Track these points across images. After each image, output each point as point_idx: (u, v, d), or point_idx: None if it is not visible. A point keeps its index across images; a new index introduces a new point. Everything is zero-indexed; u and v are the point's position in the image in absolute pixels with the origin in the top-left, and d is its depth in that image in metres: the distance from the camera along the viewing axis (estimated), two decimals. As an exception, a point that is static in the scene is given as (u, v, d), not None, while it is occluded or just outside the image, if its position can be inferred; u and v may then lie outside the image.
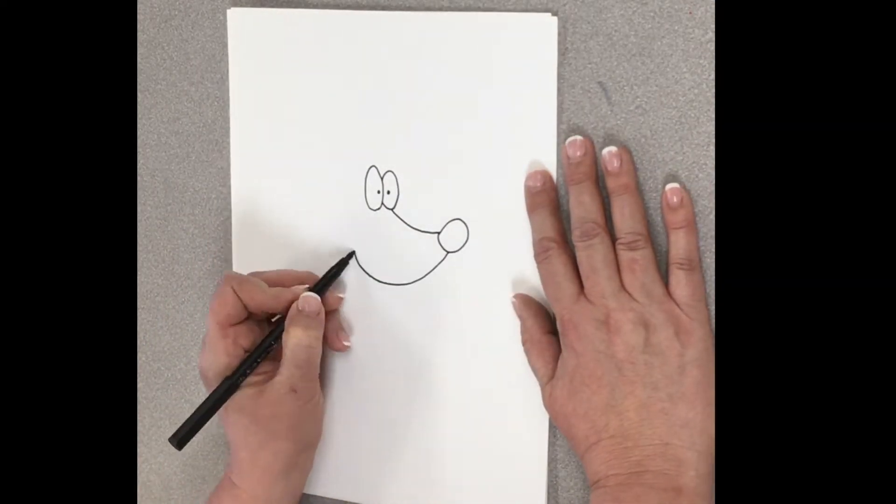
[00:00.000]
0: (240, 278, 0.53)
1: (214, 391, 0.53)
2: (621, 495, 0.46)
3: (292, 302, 0.53)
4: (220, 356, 0.53)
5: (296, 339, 0.52)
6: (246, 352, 0.53)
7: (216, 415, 0.53)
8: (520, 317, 0.52)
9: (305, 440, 0.54)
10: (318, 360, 0.53)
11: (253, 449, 0.52)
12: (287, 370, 0.52)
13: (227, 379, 0.52)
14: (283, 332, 0.53)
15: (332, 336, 0.55)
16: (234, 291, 0.53)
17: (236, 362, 0.53)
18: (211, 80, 0.60)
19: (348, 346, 0.56)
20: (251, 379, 0.53)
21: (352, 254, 0.56)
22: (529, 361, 0.51)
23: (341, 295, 0.56)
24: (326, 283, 0.55)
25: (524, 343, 0.52)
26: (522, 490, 0.53)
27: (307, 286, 0.54)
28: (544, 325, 0.51)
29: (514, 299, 0.52)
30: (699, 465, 0.46)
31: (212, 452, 0.62)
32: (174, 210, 0.62)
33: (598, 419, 0.47)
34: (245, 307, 0.53)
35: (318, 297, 0.53)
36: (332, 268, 0.56)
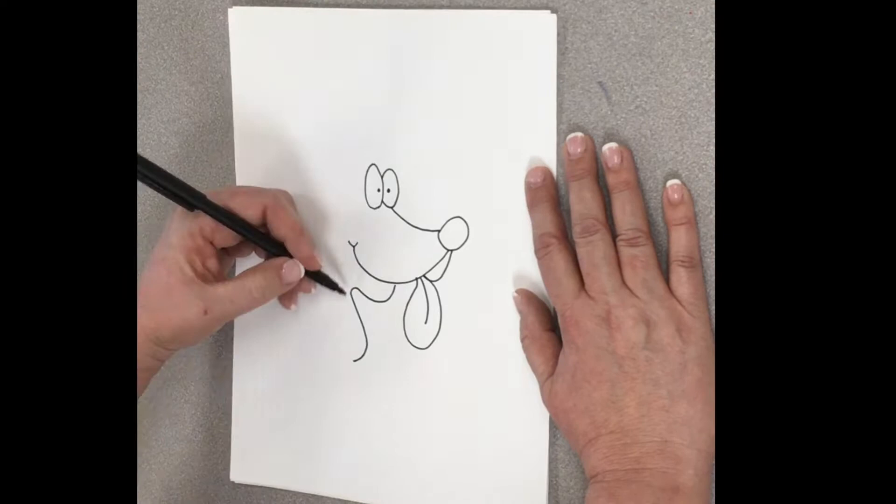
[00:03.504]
0: (277, 203, 0.54)
1: (198, 193, 0.53)
2: (618, 491, 0.46)
3: (302, 256, 0.54)
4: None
5: (252, 284, 0.53)
6: (211, 243, 0.54)
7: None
8: (521, 312, 0.52)
9: (181, 341, 0.54)
10: (245, 312, 0.54)
11: (144, 307, 0.52)
12: (223, 292, 0.52)
13: (213, 204, 0.52)
14: (250, 269, 0.53)
15: (286, 297, 0.57)
16: (265, 212, 0.54)
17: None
18: (211, 80, 0.60)
19: (293, 309, 0.58)
20: (194, 260, 0.53)
21: (344, 292, 0.57)
22: (528, 358, 0.51)
23: (313, 290, 0.57)
24: (317, 277, 0.56)
25: (524, 339, 0.52)
26: (522, 490, 0.53)
27: (319, 266, 0.55)
28: (545, 322, 0.51)
29: (515, 294, 0.52)
30: (698, 464, 0.46)
31: (211, 453, 0.62)
32: (174, 210, 0.62)
33: (597, 415, 0.47)
34: (262, 222, 0.54)
35: (302, 274, 0.54)
36: (330, 280, 0.56)
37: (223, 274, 0.55)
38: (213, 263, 0.54)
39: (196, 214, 0.53)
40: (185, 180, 0.61)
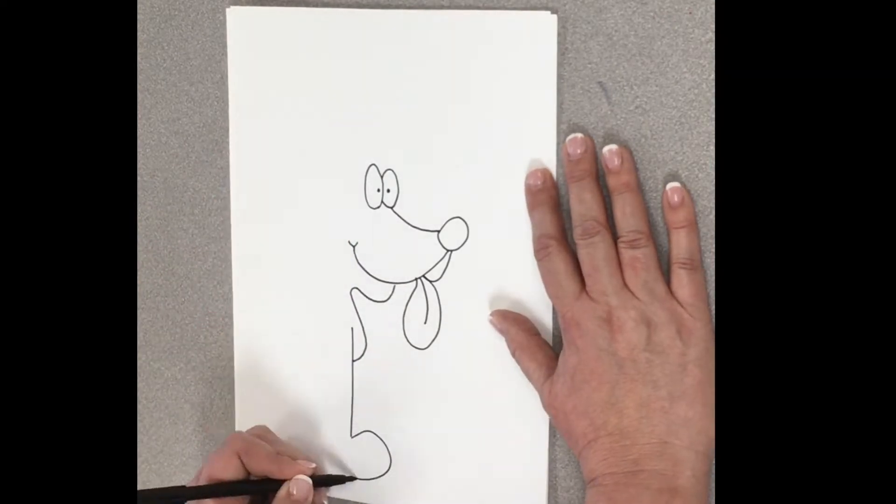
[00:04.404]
0: (247, 444, 0.53)
1: (177, 487, 0.52)
2: (616, 495, 0.46)
3: (294, 474, 0.53)
4: None
5: None
6: None
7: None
8: (501, 331, 0.52)
9: None
10: None
11: None
12: None
13: (193, 488, 0.52)
14: None
15: None
16: (240, 458, 0.52)
17: None
18: (211, 80, 0.60)
19: None
20: None
21: (354, 478, 0.56)
22: (522, 367, 0.51)
23: (325, 502, 0.56)
24: (323, 482, 0.55)
25: (513, 352, 0.52)
26: (522, 490, 0.53)
27: (313, 466, 0.54)
28: (529, 329, 0.52)
29: (491, 318, 0.52)
30: (696, 466, 0.46)
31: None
32: (174, 210, 0.62)
33: (597, 416, 0.47)
34: (245, 470, 0.53)
35: (311, 484, 0.53)
36: (336, 476, 0.56)
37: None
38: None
39: None
40: (184, 180, 0.61)
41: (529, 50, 0.51)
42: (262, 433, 0.56)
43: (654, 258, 0.48)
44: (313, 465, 0.54)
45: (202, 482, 0.53)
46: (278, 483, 0.53)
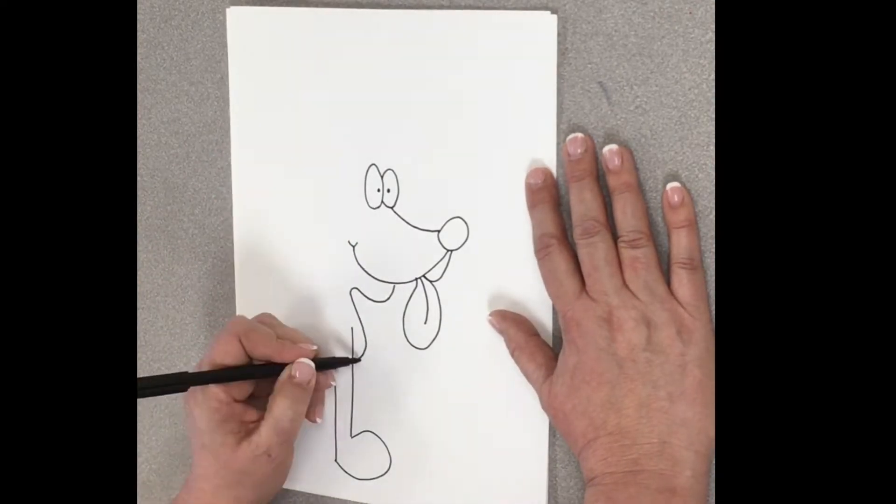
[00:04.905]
0: (246, 328, 0.53)
1: (179, 374, 0.52)
2: (615, 494, 0.46)
3: (295, 357, 0.53)
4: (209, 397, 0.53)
5: (281, 410, 0.52)
6: (235, 401, 0.53)
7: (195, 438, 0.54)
8: (500, 331, 0.52)
9: (267, 493, 0.55)
10: (298, 429, 0.54)
11: (216, 487, 0.53)
12: (267, 435, 0.52)
13: (195, 374, 0.52)
14: (271, 397, 0.53)
15: (309, 407, 0.55)
16: (240, 342, 0.53)
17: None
18: (211, 80, 0.60)
19: (319, 422, 0.57)
20: (231, 426, 0.52)
21: (359, 359, 0.56)
22: (521, 367, 0.51)
23: (333, 383, 0.57)
24: (327, 365, 0.56)
25: (512, 352, 0.52)
26: (522, 490, 0.53)
27: (314, 349, 0.54)
28: (528, 330, 0.52)
29: (490, 318, 0.52)
30: (696, 466, 0.46)
31: (212, 452, 0.62)
32: (174, 210, 0.62)
33: (597, 416, 0.47)
34: (247, 355, 0.53)
35: (313, 367, 0.53)
36: (339, 358, 0.56)
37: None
38: (250, 414, 0.54)
39: (195, 391, 0.53)
40: (185, 180, 0.61)
41: (529, 50, 0.51)
42: (264, 318, 0.56)
43: (655, 258, 0.48)
44: (314, 348, 0.54)
45: (205, 368, 0.53)
46: (280, 367, 0.53)
